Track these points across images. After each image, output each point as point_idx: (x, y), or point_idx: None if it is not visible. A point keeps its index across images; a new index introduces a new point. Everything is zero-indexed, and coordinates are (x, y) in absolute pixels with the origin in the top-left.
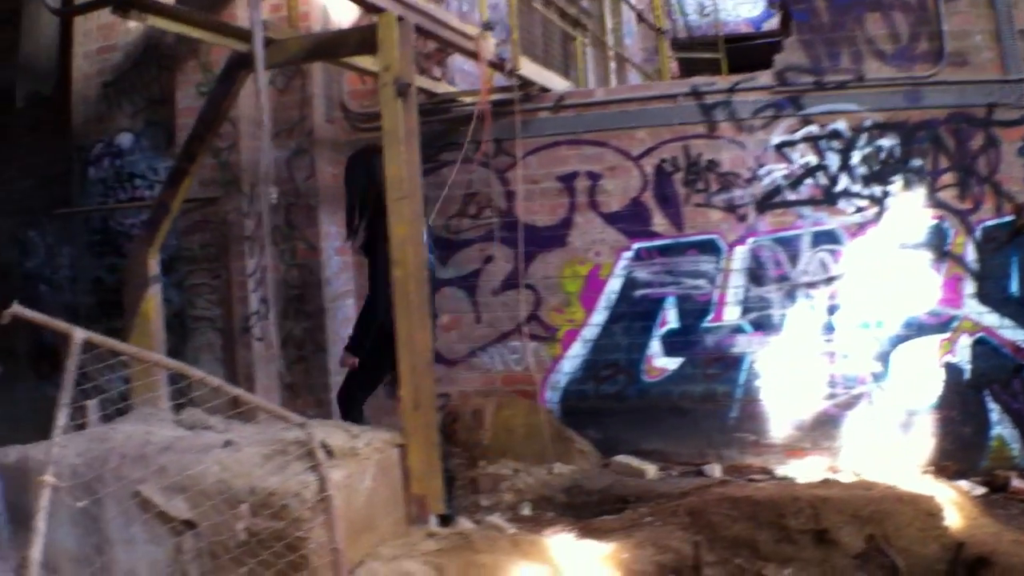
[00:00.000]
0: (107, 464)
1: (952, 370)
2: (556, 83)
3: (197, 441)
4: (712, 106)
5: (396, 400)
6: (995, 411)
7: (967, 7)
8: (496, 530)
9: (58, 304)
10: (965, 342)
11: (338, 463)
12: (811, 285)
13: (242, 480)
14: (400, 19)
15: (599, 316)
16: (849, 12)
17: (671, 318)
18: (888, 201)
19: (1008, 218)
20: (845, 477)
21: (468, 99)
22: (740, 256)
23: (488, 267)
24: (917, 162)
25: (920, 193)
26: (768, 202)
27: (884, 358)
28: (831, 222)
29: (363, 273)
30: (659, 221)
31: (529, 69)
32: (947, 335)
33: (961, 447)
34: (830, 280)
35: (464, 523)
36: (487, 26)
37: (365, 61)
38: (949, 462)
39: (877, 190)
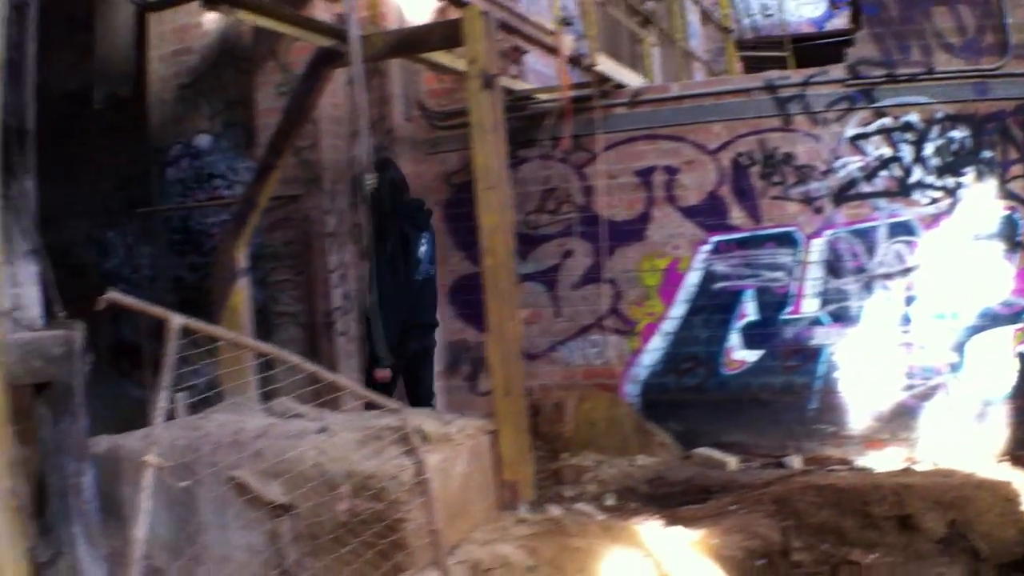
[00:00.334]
0: (200, 451)
1: None
2: (630, 79)
3: (291, 428)
4: (786, 100)
5: (476, 394)
6: None
7: None
8: (585, 517)
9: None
10: None
11: (432, 448)
12: (887, 276)
13: (339, 464)
14: (484, 13)
15: (678, 309)
16: (917, 6)
17: (750, 311)
18: (960, 192)
19: None
20: (923, 466)
21: (544, 96)
22: (818, 248)
23: (567, 262)
24: (987, 153)
25: (991, 184)
26: (844, 194)
27: (959, 348)
28: (906, 213)
29: (445, 268)
30: (737, 214)
31: (606, 65)
32: (1020, 325)
33: None
34: (906, 271)
35: (553, 510)
36: (565, 22)
37: (445, 58)
38: None
39: (950, 181)
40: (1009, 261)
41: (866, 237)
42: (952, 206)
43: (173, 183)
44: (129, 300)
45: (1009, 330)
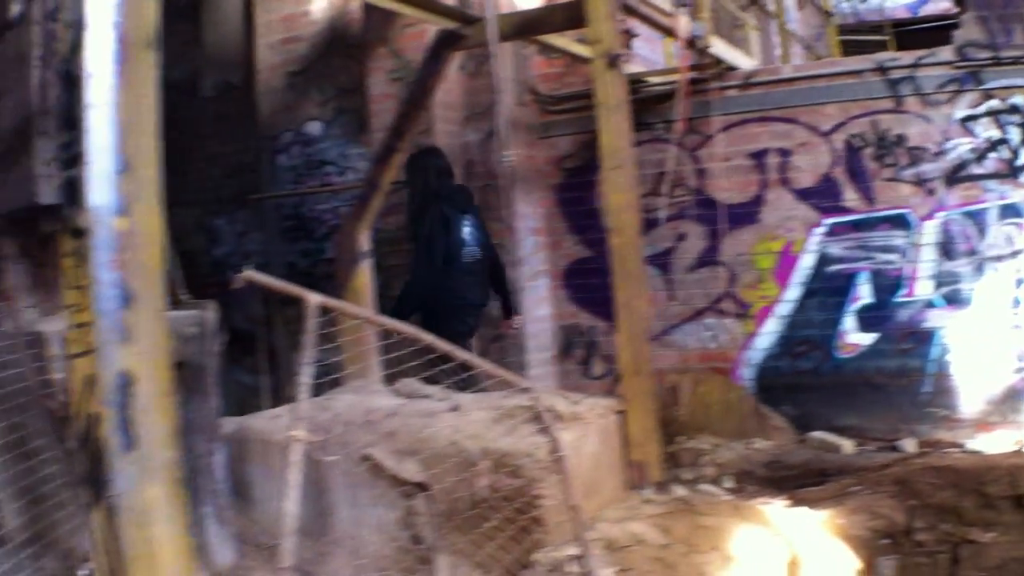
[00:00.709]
0: (332, 431)
1: None
2: (742, 61)
3: (421, 407)
4: (897, 81)
5: (589, 378)
6: None
7: None
8: (712, 497)
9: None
10: None
11: (564, 427)
12: (998, 259)
13: (474, 442)
14: None
15: (792, 292)
16: None
17: (864, 293)
18: None
19: None
20: None
21: (656, 79)
22: (930, 230)
23: (681, 245)
24: None
25: None
26: (955, 176)
27: None
28: (1014, 196)
29: (558, 252)
30: (850, 196)
31: (718, 47)
32: None
33: None
34: (1015, 254)
35: (678, 490)
36: (681, 3)
37: (560, 40)
38: None
39: None
40: None
41: (977, 219)
42: None
43: (284, 170)
44: (265, 278)
45: None
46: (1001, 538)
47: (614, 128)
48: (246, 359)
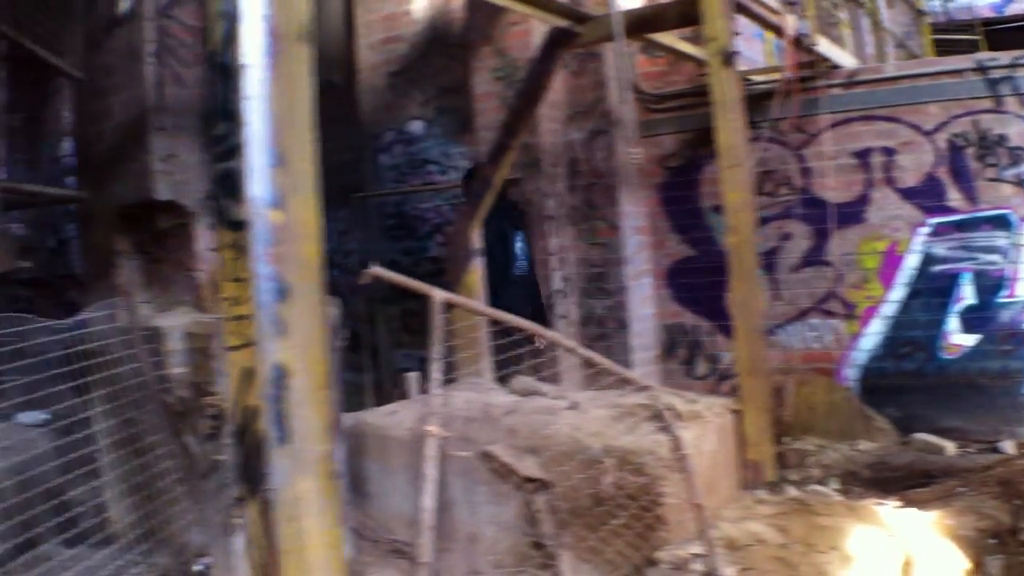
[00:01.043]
0: (450, 427)
1: None
2: (844, 60)
3: (539, 404)
4: (997, 81)
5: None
6: None
7: None
8: (825, 497)
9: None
10: None
11: (684, 425)
12: None
13: (596, 440)
14: None
15: (897, 292)
16: None
17: (967, 294)
18: None
19: None
20: None
21: (759, 77)
22: None
23: (786, 244)
24: None
25: None
26: None
27: None
28: None
29: (661, 252)
30: (953, 196)
31: (823, 45)
32: None
33: None
34: None
35: (791, 491)
36: (791, 2)
37: (666, 38)
38: None
39: None
40: None
41: None
42: None
43: (386, 169)
44: (391, 275)
45: None
46: None
47: (730, 126)
48: (349, 356)
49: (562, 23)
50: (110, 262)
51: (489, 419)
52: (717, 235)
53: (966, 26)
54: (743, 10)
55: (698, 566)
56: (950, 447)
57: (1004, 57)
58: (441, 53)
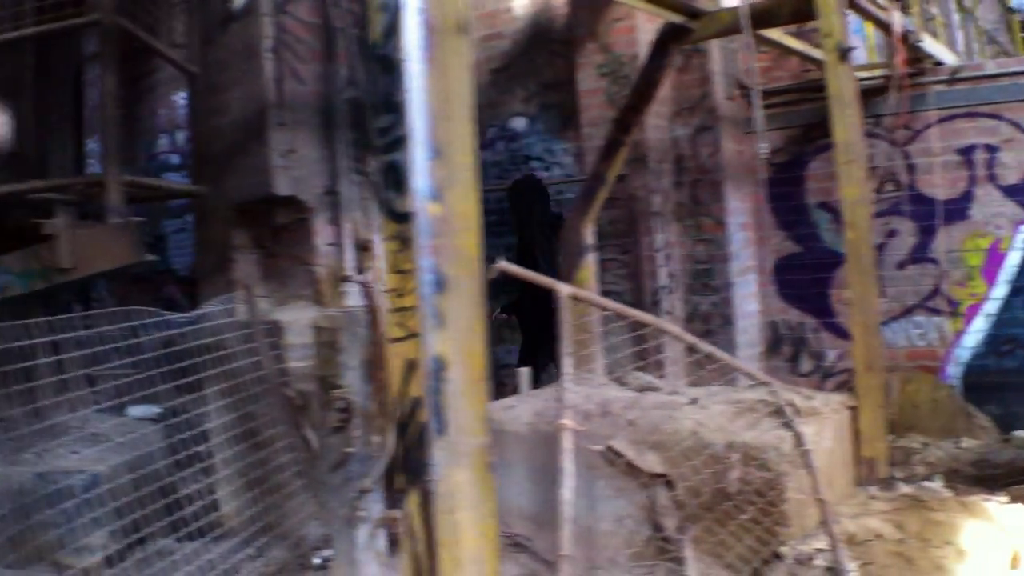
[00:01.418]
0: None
1: None
2: (945, 56)
3: (658, 399)
4: None
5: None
6: None
7: None
8: (936, 493)
9: None
10: None
11: (803, 421)
12: None
13: (718, 435)
14: None
15: (1000, 290)
16: None
17: None
18: None
19: None
20: None
21: (862, 74)
22: None
23: (891, 241)
24: None
25: None
26: None
27: None
28: None
29: (766, 248)
30: None
31: (927, 42)
32: None
33: None
34: None
35: (902, 487)
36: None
37: (774, 34)
38: None
39: None
40: None
41: None
42: None
43: (489, 165)
44: (517, 269)
45: None
46: None
47: (847, 122)
48: None
49: (676, 19)
50: (227, 257)
51: (608, 414)
52: (822, 232)
53: None
54: (854, 6)
55: (820, 561)
56: None
57: None
58: (543, 49)
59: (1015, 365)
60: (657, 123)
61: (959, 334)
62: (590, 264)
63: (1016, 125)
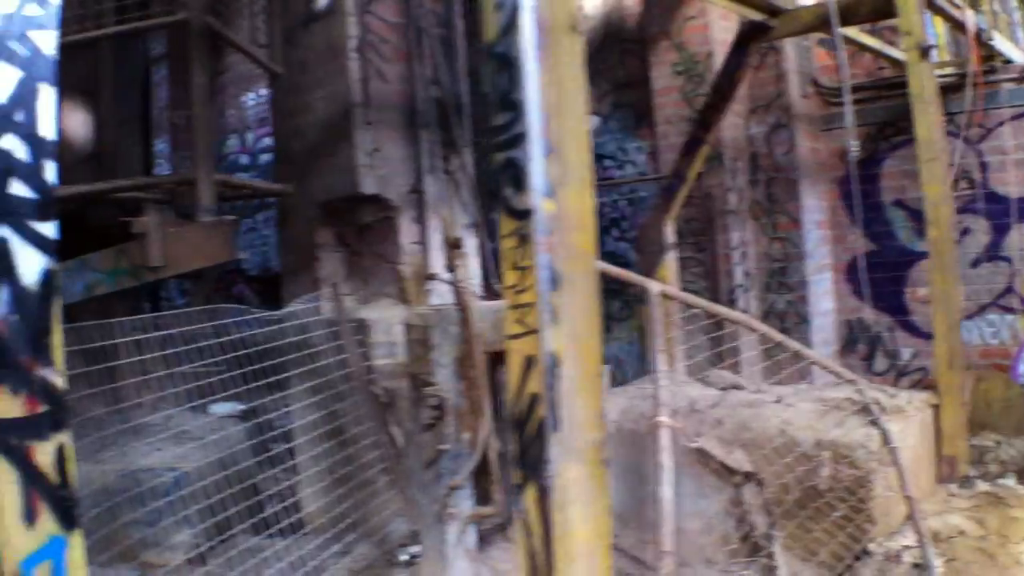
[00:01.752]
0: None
1: None
2: (1015, 54)
3: (744, 398)
4: None
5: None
6: None
7: None
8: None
9: None
10: None
11: (888, 419)
12: None
13: (806, 433)
14: None
15: None
16: None
17: None
18: None
19: None
20: None
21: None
22: None
23: (964, 239)
24: None
25: None
26: None
27: None
28: None
29: (842, 246)
30: None
31: (998, 40)
32: None
33: None
34: None
35: (980, 485)
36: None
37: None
38: None
39: None
40: None
41: None
42: None
43: None
44: (608, 266)
45: None
46: None
47: (928, 120)
48: None
49: (757, 16)
50: (311, 255)
51: (695, 412)
52: (897, 230)
53: None
54: (931, 5)
55: (908, 557)
56: None
57: None
58: (616, 48)
59: None
60: (733, 121)
61: None
62: (671, 262)
63: None
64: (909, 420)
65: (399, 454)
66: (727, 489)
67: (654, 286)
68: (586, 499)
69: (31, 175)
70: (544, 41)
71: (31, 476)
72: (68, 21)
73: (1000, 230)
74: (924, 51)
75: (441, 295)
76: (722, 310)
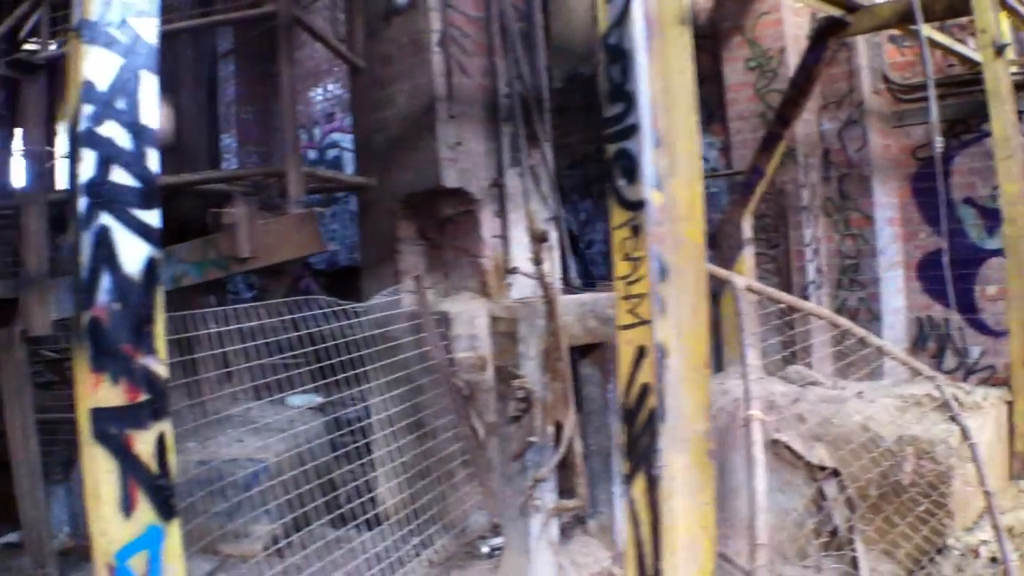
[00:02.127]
0: (738, 415)
1: None
2: None
3: (823, 393)
4: None
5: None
6: None
7: None
8: None
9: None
10: None
11: (966, 415)
12: None
13: (889, 429)
14: None
15: None
16: None
17: None
18: None
19: None
20: None
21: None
22: None
23: None
24: None
25: None
26: None
27: None
28: None
29: (912, 243)
30: None
31: None
32: None
33: None
34: None
35: None
36: None
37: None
38: None
39: None
40: None
41: None
42: None
43: None
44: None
45: None
46: None
47: (1004, 117)
48: None
49: (835, 12)
50: (392, 248)
51: (775, 407)
52: (967, 227)
53: None
54: (1003, 4)
55: (985, 552)
56: None
57: None
58: None
59: None
60: (805, 117)
61: None
62: (748, 258)
63: None
64: (986, 416)
65: (480, 446)
66: (807, 485)
67: (740, 281)
68: (691, 490)
69: (133, 163)
70: (652, 33)
71: (130, 465)
72: None
73: None
74: (1000, 49)
75: (520, 288)
76: (807, 305)
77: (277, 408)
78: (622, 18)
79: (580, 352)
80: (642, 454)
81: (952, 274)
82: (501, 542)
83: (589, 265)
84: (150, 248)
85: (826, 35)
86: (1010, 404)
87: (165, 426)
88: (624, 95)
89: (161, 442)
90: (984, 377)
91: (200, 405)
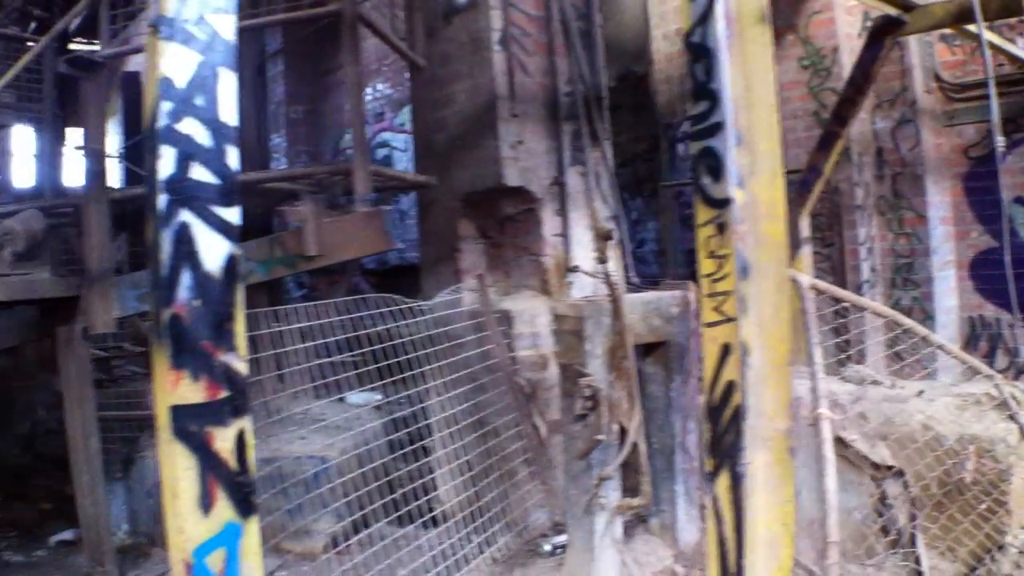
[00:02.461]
0: (798, 413)
1: None
2: None
3: (884, 392)
4: None
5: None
6: None
7: None
8: None
9: (643, 275)
10: None
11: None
12: None
13: (950, 428)
14: None
15: None
16: None
17: None
18: None
19: None
20: None
21: None
22: None
23: None
24: None
25: None
26: None
27: None
28: None
29: (965, 242)
30: None
31: None
32: None
33: None
34: None
35: None
36: None
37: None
38: None
39: None
40: None
41: None
42: None
43: (683, 159)
44: None
45: None
46: None
47: None
48: None
49: (892, 11)
50: (453, 247)
51: (837, 406)
52: (1019, 227)
53: None
54: None
55: None
56: None
57: None
58: None
59: None
60: (859, 116)
61: None
62: (806, 256)
63: None
64: None
65: (542, 444)
66: (868, 483)
67: (805, 279)
68: (772, 487)
69: (212, 160)
70: (732, 32)
71: (209, 462)
72: None
73: None
74: None
75: (582, 287)
76: (871, 304)
77: (336, 407)
78: (705, 16)
79: (644, 350)
80: (726, 451)
81: (1003, 273)
82: (563, 540)
83: (642, 264)
84: (230, 245)
85: (883, 34)
86: None
87: (245, 423)
88: (708, 93)
89: (241, 439)
90: None
91: (263, 404)
